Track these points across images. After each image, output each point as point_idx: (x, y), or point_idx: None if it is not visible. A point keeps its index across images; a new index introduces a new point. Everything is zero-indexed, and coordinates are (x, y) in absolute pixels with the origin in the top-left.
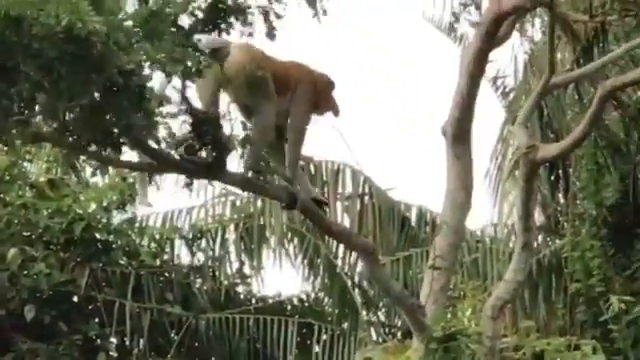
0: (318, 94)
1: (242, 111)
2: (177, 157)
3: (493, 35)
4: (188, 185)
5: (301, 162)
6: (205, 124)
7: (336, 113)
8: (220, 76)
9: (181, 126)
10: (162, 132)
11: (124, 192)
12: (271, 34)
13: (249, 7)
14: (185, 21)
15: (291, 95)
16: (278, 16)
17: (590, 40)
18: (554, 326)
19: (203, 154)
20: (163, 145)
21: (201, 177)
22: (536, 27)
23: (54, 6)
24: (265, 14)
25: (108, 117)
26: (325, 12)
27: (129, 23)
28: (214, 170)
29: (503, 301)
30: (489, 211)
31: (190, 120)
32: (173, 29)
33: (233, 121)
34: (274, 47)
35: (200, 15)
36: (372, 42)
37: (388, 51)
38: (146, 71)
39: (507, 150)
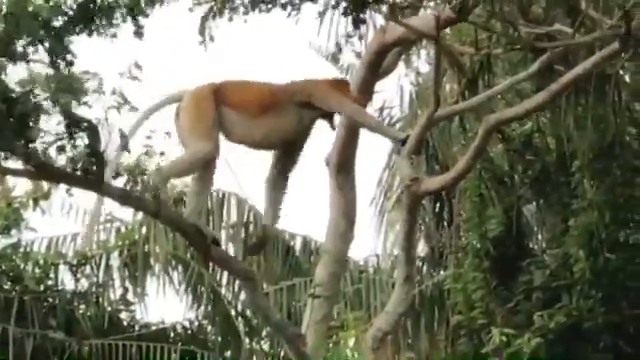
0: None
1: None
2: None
3: (378, 66)
4: (68, 191)
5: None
6: (80, 128)
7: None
8: None
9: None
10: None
11: (9, 217)
12: (139, 33)
13: (118, 6)
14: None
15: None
16: (145, 15)
17: (475, 73)
18: (436, 358)
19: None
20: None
21: (81, 187)
22: (422, 58)
23: None
24: (132, 14)
25: None
26: (212, 38)
27: None
28: (93, 181)
29: (384, 332)
30: (374, 241)
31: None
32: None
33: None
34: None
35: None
36: (260, 72)
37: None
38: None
39: (393, 179)
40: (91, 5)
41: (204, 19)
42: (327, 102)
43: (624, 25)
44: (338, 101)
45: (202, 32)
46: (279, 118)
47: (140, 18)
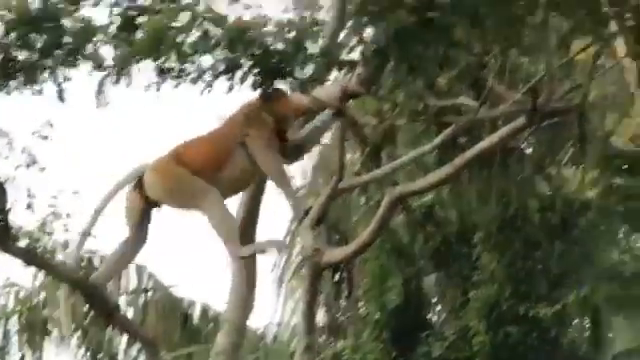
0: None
1: None
2: None
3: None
4: None
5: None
6: None
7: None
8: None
9: None
10: None
11: None
12: (61, 96)
13: (42, 67)
14: None
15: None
16: (66, 78)
17: (379, 143)
18: None
19: None
20: None
21: None
22: None
23: None
24: (53, 76)
25: None
26: (107, 103)
27: None
28: None
29: None
30: (273, 309)
31: None
32: None
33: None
34: None
35: None
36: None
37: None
38: None
39: (293, 247)
40: (10, 64)
41: (101, 84)
42: (254, 154)
43: (530, 101)
44: (264, 159)
45: (99, 95)
46: (234, 169)
47: (62, 80)
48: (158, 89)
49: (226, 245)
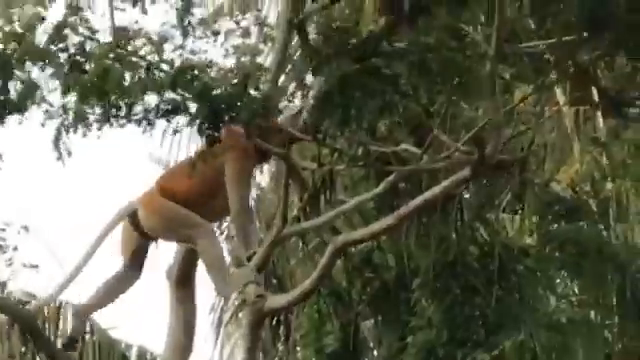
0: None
1: None
2: None
3: None
4: None
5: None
6: None
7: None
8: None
9: None
10: None
11: None
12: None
13: None
14: None
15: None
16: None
17: (318, 188)
18: None
19: None
20: None
21: None
22: (264, 171)
23: None
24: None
25: None
26: (70, 154)
27: None
28: None
29: None
30: (211, 353)
31: None
32: None
33: None
34: None
35: None
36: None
37: (115, 190)
38: None
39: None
40: None
41: (58, 133)
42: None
43: (477, 152)
44: (230, 188)
45: (56, 145)
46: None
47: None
48: (100, 129)
49: (215, 282)
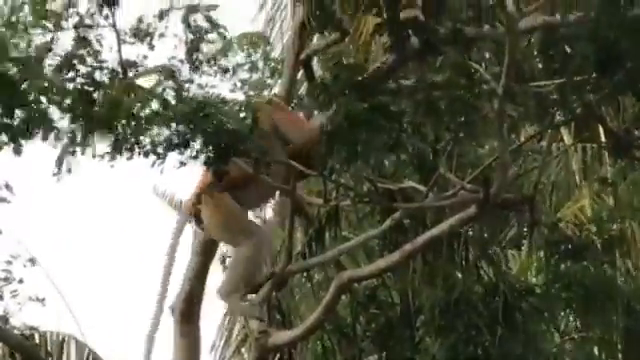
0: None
1: None
2: None
3: None
4: None
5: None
6: None
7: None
8: None
9: None
10: None
11: None
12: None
13: None
14: None
15: None
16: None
17: (323, 224)
18: None
19: None
20: None
21: None
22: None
23: None
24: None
25: None
26: (70, 171)
27: None
28: None
29: None
30: None
31: None
32: None
33: None
34: None
35: None
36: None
37: (117, 223)
38: None
39: (234, 325)
40: None
41: (63, 152)
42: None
43: (482, 191)
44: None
45: (59, 165)
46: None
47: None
48: (112, 159)
49: (228, 291)
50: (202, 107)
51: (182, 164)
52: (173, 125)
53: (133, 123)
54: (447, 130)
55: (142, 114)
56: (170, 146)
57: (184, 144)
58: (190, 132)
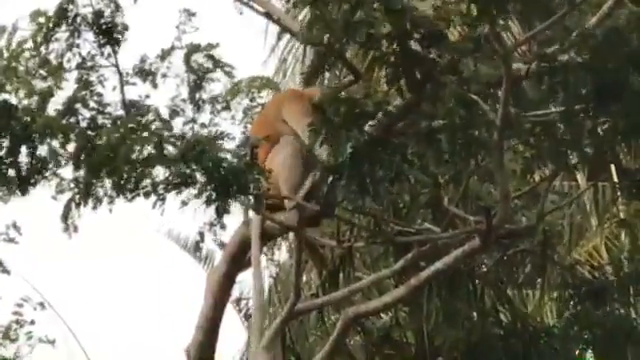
0: None
1: None
2: None
3: (240, 259)
4: None
5: None
6: None
7: None
8: None
9: None
10: None
11: None
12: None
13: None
14: None
15: None
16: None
17: (336, 265)
18: None
19: None
20: None
21: None
22: (282, 249)
23: None
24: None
25: None
26: (76, 229)
27: None
28: None
29: None
30: None
31: None
32: None
33: None
34: None
35: None
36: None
37: (133, 263)
38: None
39: None
40: None
41: (67, 207)
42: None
43: (485, 222)
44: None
45: (65, 219)
46: None
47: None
48: (111, 202)
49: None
50: (193, 145)
51: (184, 203)
52: (172, 166)
53: (132, 165)
54: (448, 162)
55: (140, 156)
56: (169, 186)
57: (184, 183)
58: (189, 170)
